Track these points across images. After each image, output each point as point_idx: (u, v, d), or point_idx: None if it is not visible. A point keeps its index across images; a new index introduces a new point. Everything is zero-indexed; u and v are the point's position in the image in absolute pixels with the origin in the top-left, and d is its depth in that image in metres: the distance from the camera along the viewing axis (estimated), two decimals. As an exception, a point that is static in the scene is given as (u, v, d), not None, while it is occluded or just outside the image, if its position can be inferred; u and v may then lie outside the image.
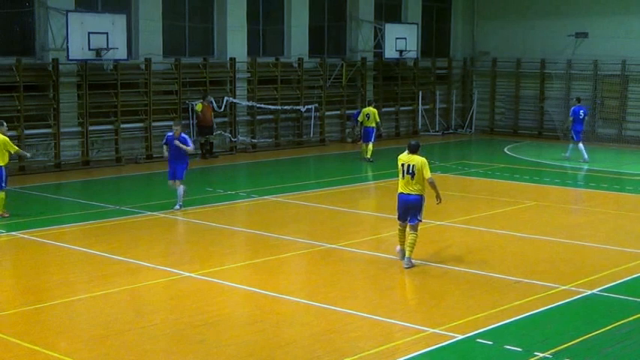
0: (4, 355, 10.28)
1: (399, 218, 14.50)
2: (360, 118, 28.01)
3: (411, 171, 14.05)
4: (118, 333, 11.14)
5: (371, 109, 27.93)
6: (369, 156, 27.52)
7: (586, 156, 27.64)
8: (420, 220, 14.32)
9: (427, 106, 36.15)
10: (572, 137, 28.16)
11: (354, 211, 19.99)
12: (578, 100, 29.34)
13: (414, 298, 12.43)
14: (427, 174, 14.06)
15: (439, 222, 17.99)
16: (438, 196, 14.33)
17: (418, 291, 13.61)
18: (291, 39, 31.96)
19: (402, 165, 14.17)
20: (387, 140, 33.99)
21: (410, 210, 14.23)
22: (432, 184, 14.14)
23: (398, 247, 14.66)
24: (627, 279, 13.95)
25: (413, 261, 14.29)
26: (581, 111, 28.10)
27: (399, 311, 12.10)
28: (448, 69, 37.38)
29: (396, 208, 14.50)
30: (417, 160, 14.11)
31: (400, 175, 14.21)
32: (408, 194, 14.16)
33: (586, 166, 27.23)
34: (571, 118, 28.32)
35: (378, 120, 28.12)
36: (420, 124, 35.81)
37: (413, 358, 10.28)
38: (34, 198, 21.32)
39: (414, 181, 14.08)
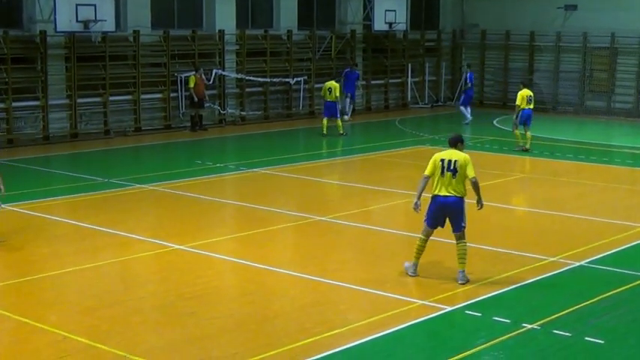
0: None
1: (429, 225, 12.27)
2: (322, 93, 27.45)
3: (452, 168, 12.00)
4: (108, 305, 11.16)
5: (333, 83, 27.16)
6: (340, 131, 26.90)
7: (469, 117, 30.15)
8: (465, 227, 12.20)
9: (416, 79, 36.09)
10: (463, 102, 30.57)
11: (343, 184, 20.00)
12: (469, 66, 32.03)
13: (403, 270, 12.46)
14: (471, 172, 12.06)
15: (426, 194, 18.02)
16: (479, 201, 12.30)
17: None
18: (280, 11, 31.78)
19: (442, 161, 12.05)
20: (377, 113, 33.98)
21: (448, 215, 12.18)
22: (476, 185, 12.14)
23: (408, 263, 12.47)
24: (615, 251, 14.03)
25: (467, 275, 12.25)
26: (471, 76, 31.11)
27: (388, 283, 12.13)
28: (437, 41, 37.29)
29: (427, 213, 12.26)
30: (460, 156, 12.13)
31: (438, 174, 12.06)
32: (447, 196, 12.03)
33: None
34: (469, 84, 30.62)
35: (338, 95, 27.28)
36: (409, 97, 35.75)
37: (402, 329, 10.34)
38: (22, 170, 21.26)
39: (455, 181, 12.05)
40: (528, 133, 24.25)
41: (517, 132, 24.34)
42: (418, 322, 10.65)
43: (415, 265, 12.30)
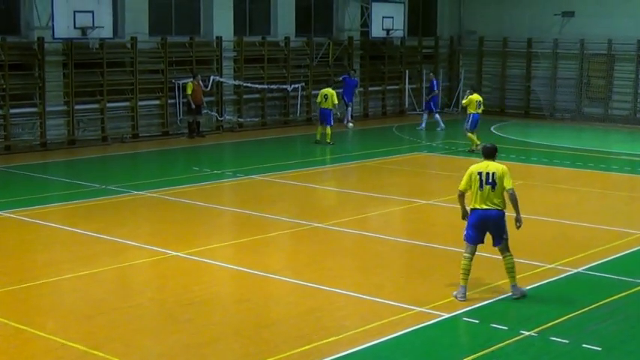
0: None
1: (471, 242, 11.75)
2: (317, 100, 27.39)
3: (491, 180, 11.56)
4: (105, 312, 11.14)
5: (329, 90, 27.00)
6: (328, 140, 26.51)
7: (442, 125, 30.35)
8: (507, 238, 11.78)
9: (414, 86, 36.09)
10: (431, 109, 30.71)
11: (340, 190, 20.00)
12: (433, 73, 33.01)
13: (400, 277, 12.46)
14: (509, 184, 11.55)
15: (425, 201, 18.02)
16: (518, 218, 11.73)
17: (404, 270, 13.64)
18: (277, 18, 31.81)
19: (480, 174, 11.62)
20: (374, 119, 33.98)
21: (490, 229, 11.71)
22: (513, 198, 11.60)
23: (457, 292, 11.71)
24: (612, 257, 14.03)
25: (521, 288, 11.95)
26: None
27: (386, 290, 12.12)
28: (435, 48, 37.31)
29: (467, 229, 11.76)
30: (498, 167, 11.73)
31: (476, 187, 11.59)
32: (488, 209, 11.54)
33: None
34: (436, 91, 31.12)
35: (336, 102, 27.32)
36: (407, 104, 35.77)
37: (399, 336, 10.32)
38: (19, 177, 21.24)
39: (494, 194, 11.58)
40: (475, 136, 25.04)
41: (471, 135, 25.04)
42: (416, 329, 10.62)
43: (464, 288, 11.65)
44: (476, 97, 25.08)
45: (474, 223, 11.65)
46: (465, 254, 11.74)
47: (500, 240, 11.69)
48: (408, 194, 19.43)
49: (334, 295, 11.94)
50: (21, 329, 10.43)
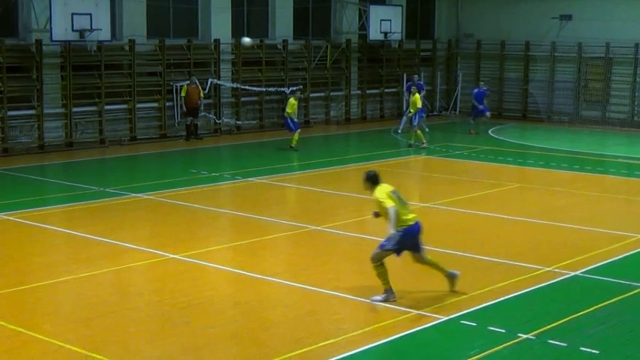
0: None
1: (397, 254, 11.82)
2: (288, 109, 26.25)
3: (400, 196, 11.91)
4: (103, 315, 11.14)
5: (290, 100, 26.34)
6: (292, 144, 26.01)
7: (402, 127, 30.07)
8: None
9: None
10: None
11: (338, 193, 20.00)
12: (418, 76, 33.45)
13: (398, 280, 12.42)
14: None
15: (423, 204, 18.03)
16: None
17: (402, 273, 13.61)
18: (275, 20, 31.83)
19: (394, 192, 11.77)
20: (372, 122, 34.00)
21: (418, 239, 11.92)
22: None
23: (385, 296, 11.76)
24: (609, 261, 14.04)
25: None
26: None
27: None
28: (433, 51, 37.34)
29: (399, 243, 11.65)
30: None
31: (398, 204, 11.65)
32: (417, 222, 11.88)
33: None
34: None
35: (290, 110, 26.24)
36: (404, 107, 35.75)
37: (397, 339, 10.33)
38: (17, 179, 21.23)
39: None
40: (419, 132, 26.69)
41: (419, 132, 26.61)
42: (413, 331, 10.63)
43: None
44: (418, 97, 26.92)
45: (411, 237, 11.75)
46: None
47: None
48: (406, 197, 19.41)
49: (332, 298, 11.95)
50: (19, 331, 10.43)
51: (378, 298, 11.66)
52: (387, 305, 11.54)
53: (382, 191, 11.72)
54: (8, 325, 10.62)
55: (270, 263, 14.16)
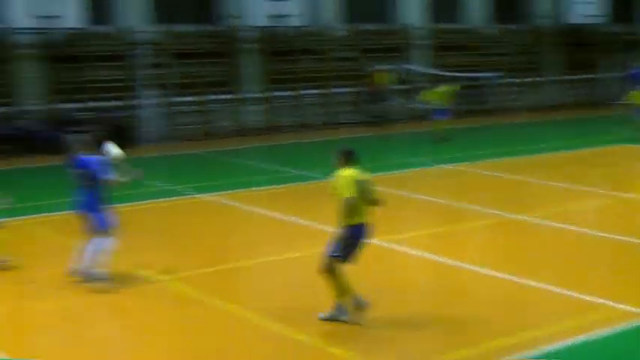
0: (199, 312, 10.48)
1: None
2: (437, 97, 25.39)
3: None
4: (302, 297, 11.11)
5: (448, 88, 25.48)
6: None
7: None
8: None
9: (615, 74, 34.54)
10: None
11: (539, 182, 19.31)
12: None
13: (610, 274, 11.73)
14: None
15: (633, 194, 17.16)
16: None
17: (614, 267, 12.86)
18: (468, 4, 31.31)
19: (362, 182, 9.88)
20: (568, 108, 32.82)
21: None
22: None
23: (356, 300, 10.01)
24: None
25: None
26: None
27: (590, 285, 11.40)
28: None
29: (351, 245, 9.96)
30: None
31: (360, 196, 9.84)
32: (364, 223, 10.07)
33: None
34: None
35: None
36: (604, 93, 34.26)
37: (606, 337, 9.68)
38: (217, 162, 21.84)
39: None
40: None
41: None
42: (626, 329, 9.93)
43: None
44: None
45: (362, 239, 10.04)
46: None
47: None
48: (613, 187, 18.52)
49: (535, 290, 11.39)
50: (224, 310, 10.57)
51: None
52: (592, 300, 10.85)
53: (348, 175, 9.88)
54: (213, 302, 10.77)
55: (471, 251, 13.78)
